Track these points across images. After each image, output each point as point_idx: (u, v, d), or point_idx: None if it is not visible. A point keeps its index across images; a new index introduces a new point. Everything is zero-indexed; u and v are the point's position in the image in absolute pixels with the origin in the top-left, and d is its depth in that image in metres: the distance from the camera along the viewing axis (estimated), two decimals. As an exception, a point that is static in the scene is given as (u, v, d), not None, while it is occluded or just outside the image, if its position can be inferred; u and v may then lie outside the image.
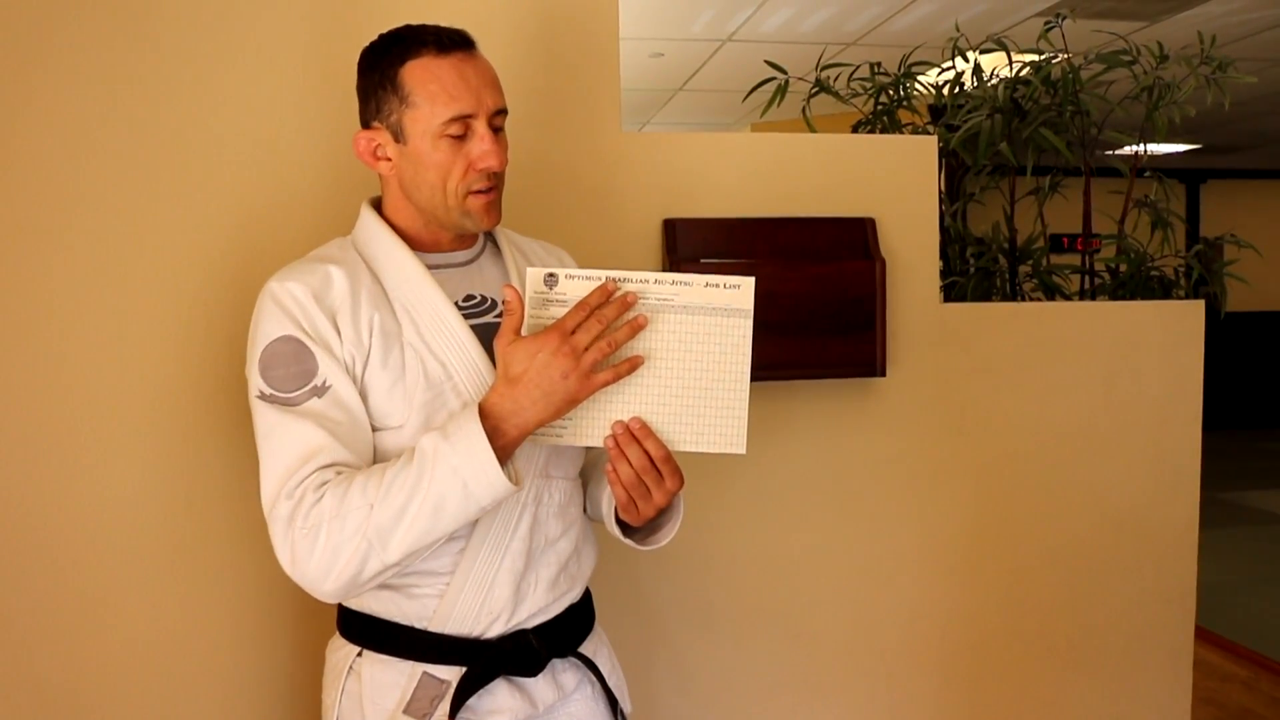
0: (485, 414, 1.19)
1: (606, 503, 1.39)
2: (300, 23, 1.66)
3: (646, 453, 1.24)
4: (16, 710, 1.58)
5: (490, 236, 1.44)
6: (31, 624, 1.58)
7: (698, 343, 1.25)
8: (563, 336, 1.19)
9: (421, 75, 1.28)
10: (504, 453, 1.20)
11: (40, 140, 1.56)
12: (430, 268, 1.35)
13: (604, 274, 1.23)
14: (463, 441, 1.17)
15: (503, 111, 1.31)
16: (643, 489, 1.26)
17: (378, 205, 1.39)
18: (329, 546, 1.18)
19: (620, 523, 1.38)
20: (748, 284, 1.24)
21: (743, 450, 1.27)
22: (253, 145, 1.65)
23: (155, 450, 1.61)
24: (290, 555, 1.20)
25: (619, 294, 1.21)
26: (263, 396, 1.24)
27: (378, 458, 1.29)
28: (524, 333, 1.22)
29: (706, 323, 1.24)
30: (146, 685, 1.63)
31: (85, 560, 1.59)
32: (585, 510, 1.48)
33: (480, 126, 1.28)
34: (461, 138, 1.28)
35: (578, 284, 1.22)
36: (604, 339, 1.20)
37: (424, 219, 1.34)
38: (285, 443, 1.22)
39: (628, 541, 1.39)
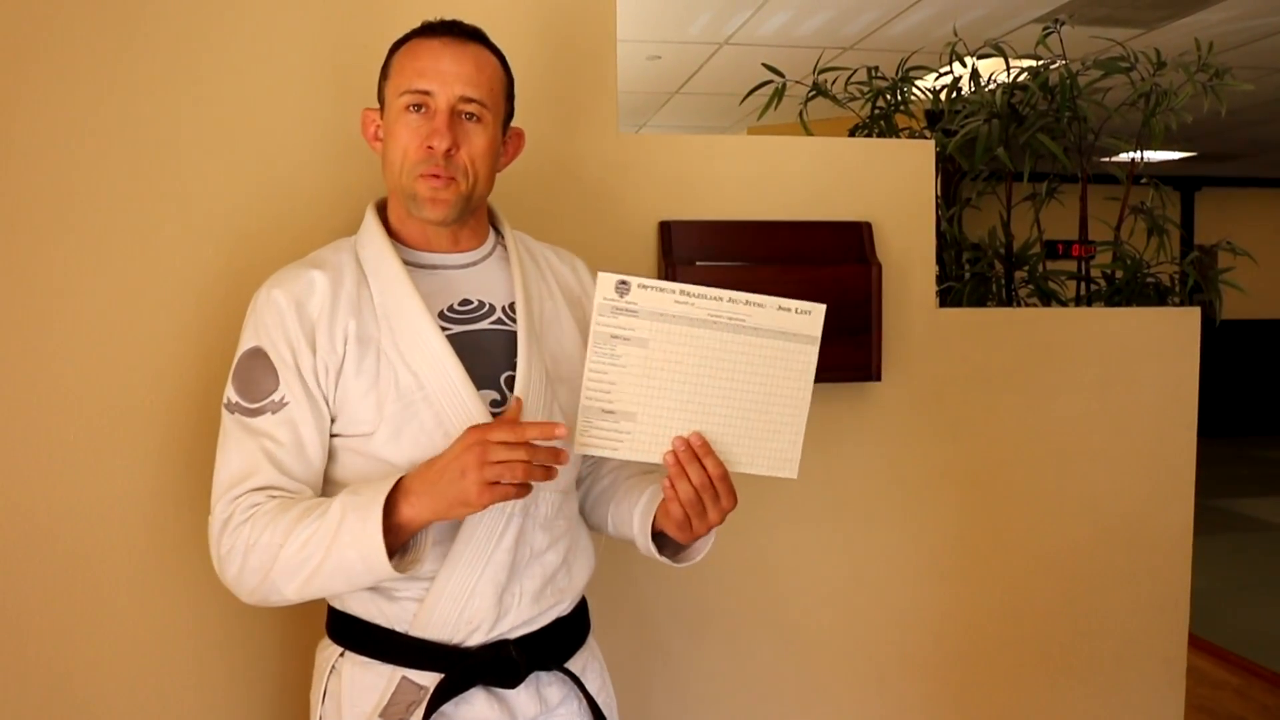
0: (399, 485, 1.19)
1: (640, 519, 1.36)
2: (302, 22, 1.66)
3: (705, 470, 1.24)
4: (7, 709, 1.57)
5: (501, 239, 1.43)
6: (23, 623, 1.57)
7: (764, 365, 1.24)
8: (479, 437, 1.16)
9: (402, 52, 1.33)
10: (406, 529, 1.19)
11: (35, 139, 1.55)
12: (426, 268, 1.34)
13: (678, 287, 1.21)
14: (359, 523, 1.17)
15: (473, 101, 1.29)
16: (700, 507, 1.25)
17: (384, 207, 1.39)
18: (241, 570, 1.23)
19: (655, 539, 1.35)
20: (818, 311, 1.24)
21: (794, 475, 1.28)
22: (252, 147, 1.64)
23: (147, 450, 1.60)
24: (216, 561, 1.27)
25: (558, 437, 1.17)
26: (228, 404, 1.29)
27: (350, 463, 1.29)
28: (590, 341, 1.21)
29: (774, 346, 1.24)
30: (138, 683, 1.62)
31: (78, 559, 1.58)
32: (608, 528, 1.46)
33: (437, 105, 1.28)
34: (424, 116, 1.29)
35: (651, 295, 1.20)
36: (519, 464, 1.15)
37: (405, 209, 1.34)
38: (233, 455, 1.27)
39: (661, 559, 1.37)
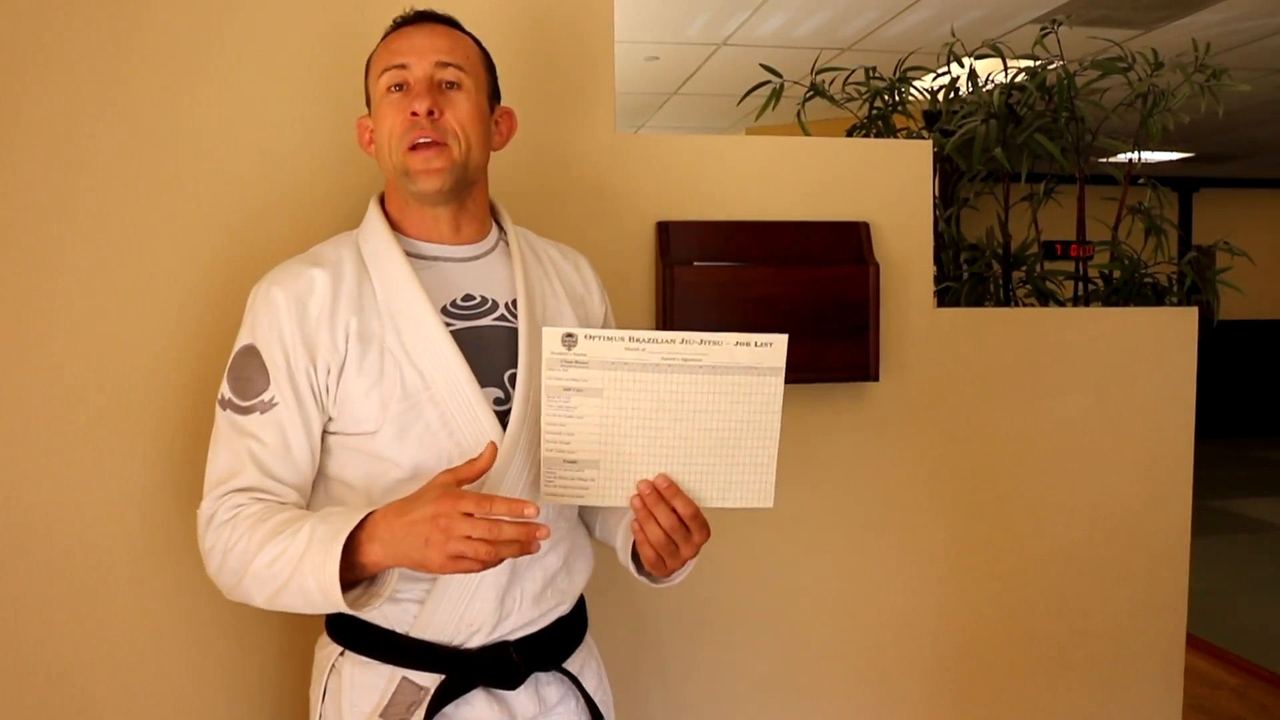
0: (366, 524, 1.16)
1: (623, 537, 1.36)
2: (297, 23, 1.66)
3: (675, 511, 1.21)
4: (5, 709, 1.57)
5: (504, 235, 1.42)
6: (21, 622, 1.57)
7: (727, 402, 1.20)
8: (448, 508, 1.11)
9: (379, 46, 1.35)
10: (370, 569, 1.17)
11: (34, 139, 1.55)
12: (428, 259, 1.34)
13: (626, 334, 1.18)
14: (320, 555, 1.15)
15: (450, 65, 1.29)
16: (671, 547, 1.23)
17: (385, 200, 1.39)
18: (219, 569, 1.25)
19: (634, 560, 1.35)
20: (780, 342, 1.20)
21: (770, 504, 1.24)
22: (248, 146, 1.64)
23: (145, 449, 1.60)
24: (202, 554, 1.28)
25: (527, 517, 1.12)
26: (221, 400, 1.29)
27: (352, 461, 1.29)
28: (542, 395, 1.18)
29: (736, 382, 1.20)
30: (137, 681, 1.62)
31: (76, 558, 1.58)
32: (594, 533, 1.46)
33: (415, 76, 1.28)
34: (404, 93, 1.29)
35: (599, 345, 1.17)
36: (485, 544, 1.10)
37: (403, 196, 1.33)
38: (222, 452, 1.28)
39: (641, 579, 1.36)
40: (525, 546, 1.13)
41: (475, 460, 1.17)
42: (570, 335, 1.17)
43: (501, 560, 1.13)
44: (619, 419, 1.20)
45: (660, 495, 1.21)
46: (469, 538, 1.10)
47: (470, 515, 1.11)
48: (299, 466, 1.28)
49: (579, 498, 1.22)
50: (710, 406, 1.21)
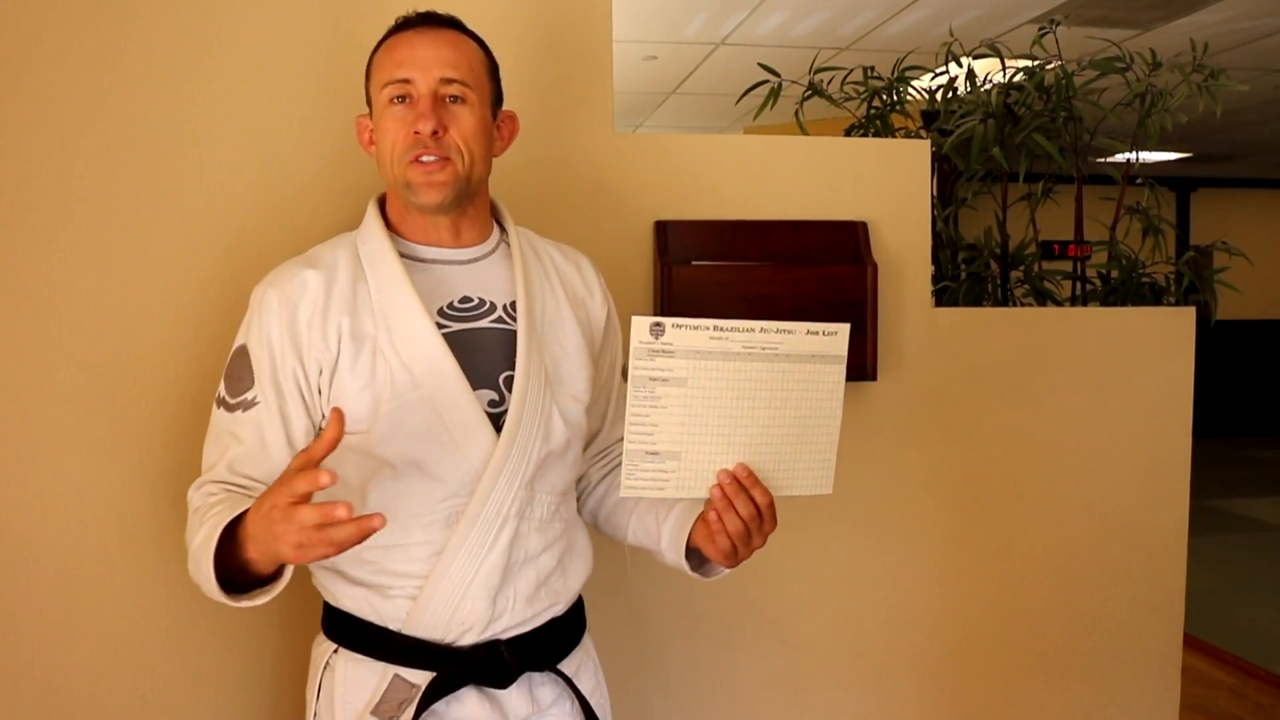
0: (244, 519, 1.13)
1: (670, 536, 1.36)
2: (297, 20, 1.66)
3: (753, 500, 1.24)
4: (4, 710, 1.56)
5: (505, 236, 1.42)
6: (20, 623, 1.57)
7: (797, 390, 1.25)
8: (280, 497, 1.04)
9: (381, 50, 1.33)
10: (257, 564, 1.15)
11: (33, 138, 1.55)
12: (426, 263, 1.34)
13: (710, 323, 1.20)
14: (209, 544, 1.16)
15: (454, 81, 1.28)
16: (747, 537, 1.26)
17: (385, 201, 1.39)
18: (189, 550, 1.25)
19: (687, 555, 1.35)
20: (843, 330, 1.26)
21: (830, 491, 1.29)
22: (248, 145, 1.64)
23: (141, 449, 1.60)
24: None
25: (322, 487, 1.01)
26: (217, 398, 1.32)
27: (347, 459, 1.27)
28: (629, 386, 1.19)
29: (805, 369, 1.25)
30: (137, 681, 1.62)
31: (71, 558, 1.58)
32: (627, 538, 1.45)
33: (419, 91, 1.28)
34: (408, 105, 1.28)
35: (685, 334, 1.20)
36: (314, 534, 1.02)
37: (403, 203, 1.33)
38: (211, 446, 1.32)
39: (694, 575, 1.37)
40: (361, 527, 1.03)
41: (323, 433, 1.08)
42: (658, 324, 1.19)
43: (339, 545, 1.04)
44: (701, 408, 1.22)
45: (740, 485, 1.24)
46: (301, 531, 1.03)
47: (298, 504, 1.03)
48: (275, 465, 1.28)
49: (659, 490, 1.24)
50: (783, 395, 1.24)
